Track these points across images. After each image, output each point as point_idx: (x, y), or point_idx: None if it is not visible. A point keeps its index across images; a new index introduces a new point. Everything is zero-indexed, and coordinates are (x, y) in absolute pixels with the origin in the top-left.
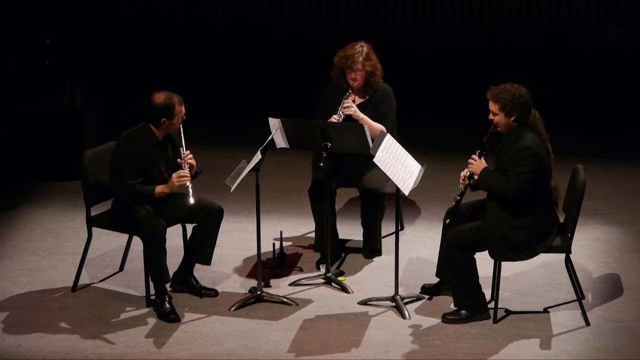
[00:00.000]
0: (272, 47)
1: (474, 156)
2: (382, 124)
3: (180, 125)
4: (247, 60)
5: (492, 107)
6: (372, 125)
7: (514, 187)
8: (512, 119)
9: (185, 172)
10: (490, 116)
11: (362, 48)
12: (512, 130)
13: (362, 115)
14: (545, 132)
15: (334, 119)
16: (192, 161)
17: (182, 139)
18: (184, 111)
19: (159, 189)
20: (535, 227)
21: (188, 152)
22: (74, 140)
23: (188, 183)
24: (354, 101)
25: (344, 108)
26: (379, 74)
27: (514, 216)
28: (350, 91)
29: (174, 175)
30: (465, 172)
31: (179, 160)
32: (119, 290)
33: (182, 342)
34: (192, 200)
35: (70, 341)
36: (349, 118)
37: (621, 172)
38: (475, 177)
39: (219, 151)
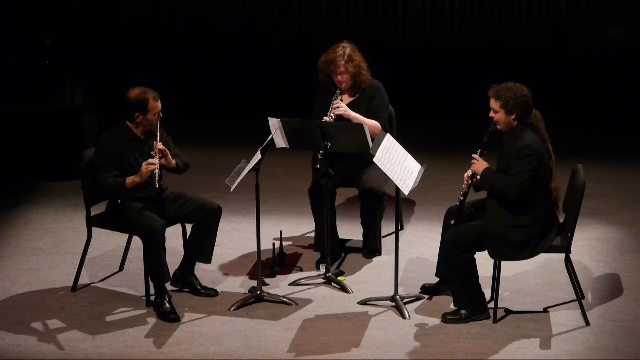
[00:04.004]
0: (272, 47)
1: (475, 155)
2: (376, 120)
3: (158, 122)
4: (247, 60)
5: (493, 105)
6: (365, 122)
7: (515, 187)
8: (513, 117)
9: (155, 160)
10: (491, 114)
11: (343, 50)
12: (512, 130)
13: (353, 114)
14: (546, 132)
15: (325, 120)
16: (164, 150)
17: (158, 133)
18: (160, 107)
19: (130, 179)
20: (535, 227)
21: (160, 143)
22: (73, 140)
23: (156, 171)
24: (342, 100)
25: (334, 109)
26: (365, 73)
27: (514, 215)
28: (339, 92)
29: (143, 163)
30: (468, 173)
31: (152, 152)
32: (119, 290)
33: (182, 342)
34: (157, 185)
35: (70, 341)
36: (340, 118)
37: (621, 172)
38: (478, 177)
39: (219, 151)
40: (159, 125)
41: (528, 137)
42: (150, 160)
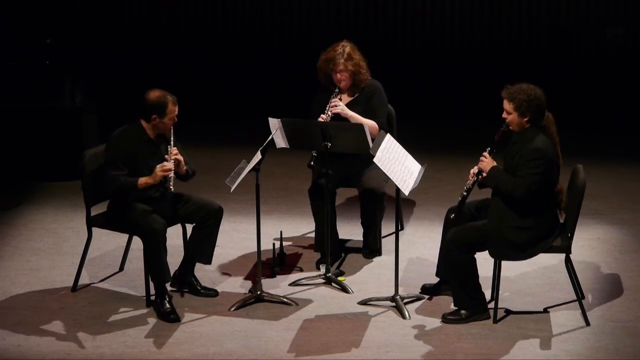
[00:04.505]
0: (272, 47)
1: (485, 154)
2: (373, 120)
3: (172, 126)
4: (247, 60)
5: (507, 105)
6: (362, 121)
7: (521, 188)
8: (526, 119)
9: (170, 164)
10: (504, 114)
11: (343, 49)
12: (524, 131)
13: (350, 113)
14: (556, 135)
15: (322, 118)
16: (179, 157)
17: (172, 137)
18: (176, 112)
19: (142, 180)
20: (537, 229)
21: (175, 148)
22: (73, 140)
23: (171, 174)
24: (340, 99)
25: (331, 107)
26: (363, 72)
27: (517, 216)
28: (337, 90)
29: (158, 166)
30: (474, 169)
31: (166, 156)
32: (119, 290)
33: (182, 342)
34: (171, 188)
35: (70, 341)
36: (337, 117)
37: (621, 172)
38: (484, 174)
39: (219, 151)
40: (172, 130)
41: (539, 139)
42: (165, 164)
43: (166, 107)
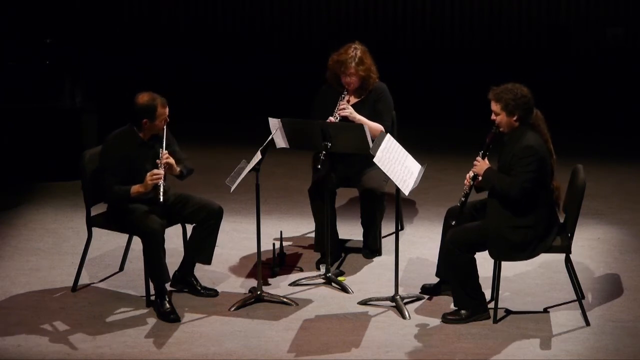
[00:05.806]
0: (272, 47)
1: (478, 157)
2: (379, 123)
3: (165, 127)
4: (247, 60)
5: (494, 107)
6: (369, 125)
7: (516, 187)
8: (514, 118)
9: (159, 171)
10: (493, 116)
11: (355, 52)
12: (514, 130)
13: (358, 116)
14: (547, 132)
15: (330, 120)
16: (170, 160)
17: (164, 139)
18: (167, 113)
19: (135, 188)
20: (536, 227)
21: (166, 152)
22: (73, 140)
23: (160, 182)
24: (348, 101)
25: (339, 110)
26: (373, 76)
27: (515, 215)
28: (345, 92)
29: (147, 174)
30: (470, 174)
31: (157, 160)
32: (119, 290)
33: (182, 342)
34: (161, 199)
35: (70, 341)
36: (345, 119)
37: (621, 172)
38: (479, 178)
39: (219, 151)
40: (165, 130)
41: (530, 137)
42: (155, 171)
43: (155, 110)
